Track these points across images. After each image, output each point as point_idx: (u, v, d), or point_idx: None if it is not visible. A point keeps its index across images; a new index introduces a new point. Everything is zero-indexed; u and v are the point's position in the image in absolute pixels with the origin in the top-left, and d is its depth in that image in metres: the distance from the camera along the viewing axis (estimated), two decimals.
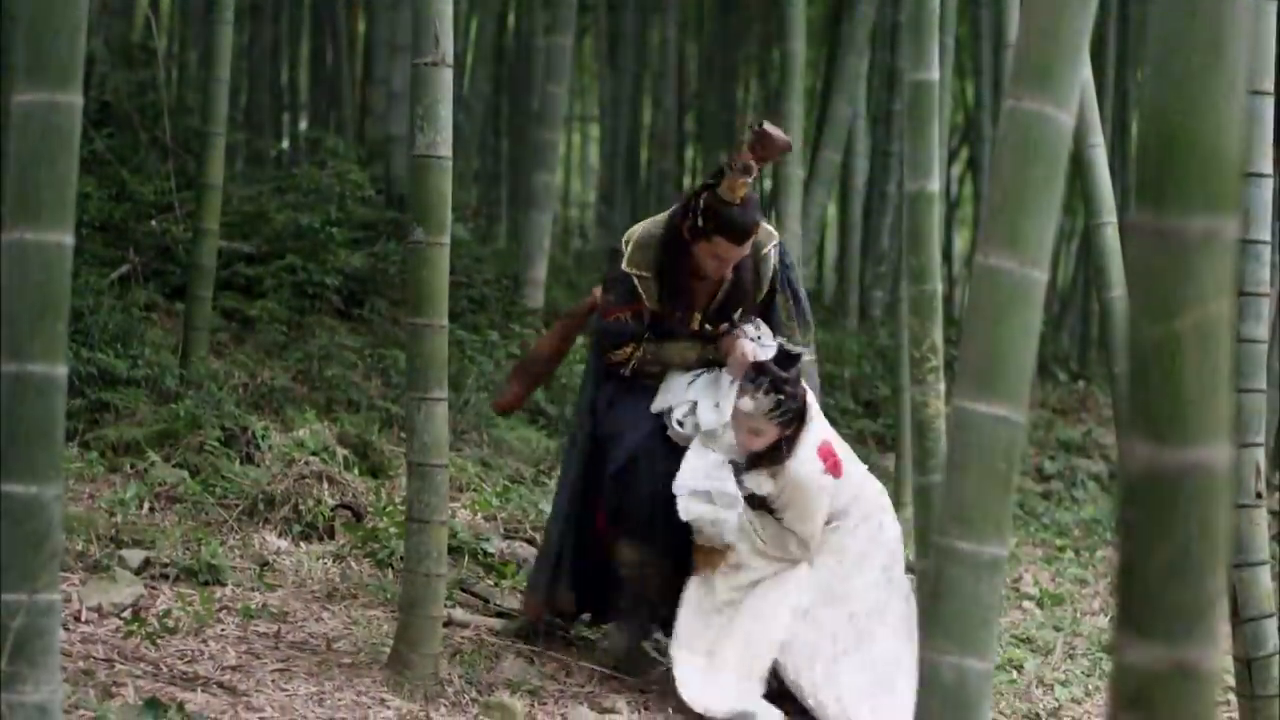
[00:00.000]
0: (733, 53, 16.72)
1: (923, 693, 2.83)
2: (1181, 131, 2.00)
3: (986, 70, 13.21)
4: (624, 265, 5.72)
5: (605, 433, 5.76)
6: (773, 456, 5.49)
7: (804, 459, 5.49)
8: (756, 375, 5.44)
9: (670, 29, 15.25)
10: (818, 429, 5.57)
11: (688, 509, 5.50)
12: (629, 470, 5.65)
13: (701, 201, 5.53)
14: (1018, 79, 2.85)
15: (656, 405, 5.70)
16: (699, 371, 5.71)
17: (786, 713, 5.43)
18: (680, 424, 5.66)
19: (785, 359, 5.46)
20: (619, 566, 5.73)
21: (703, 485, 5.52)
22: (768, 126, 5.44)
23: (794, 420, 5.46)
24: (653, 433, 5.69)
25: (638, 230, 5.80)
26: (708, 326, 5.73)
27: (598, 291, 5.99)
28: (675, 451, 5.63)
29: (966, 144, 17.18)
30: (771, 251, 5.77)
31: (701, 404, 5.64)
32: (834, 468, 5.53)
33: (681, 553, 5.67)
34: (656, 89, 16.13)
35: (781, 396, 5.40)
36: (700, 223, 5.53)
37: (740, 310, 5.75)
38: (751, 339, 5.67)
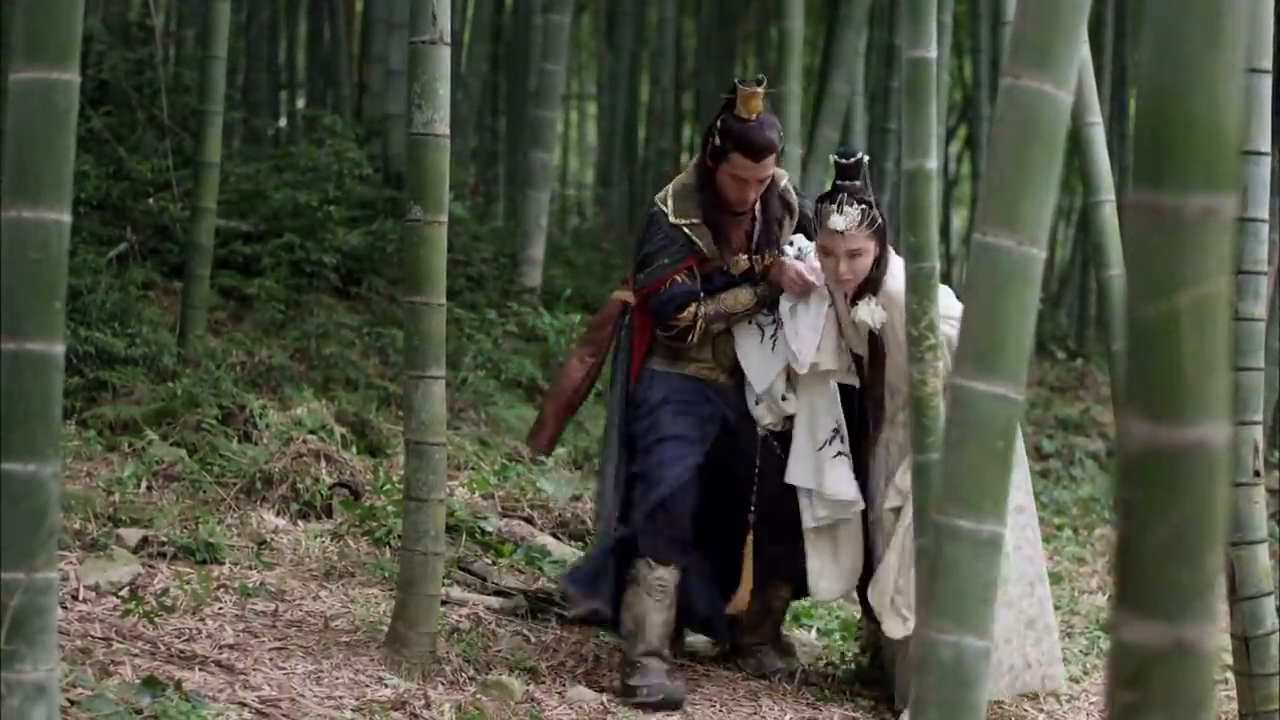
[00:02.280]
0: (731, 31, 16.66)
1: (920, 671, 2.83)
2: (1179, 109, 1.99)
3: (985, 48, 13.19)
4: (671, 219, 5.60)
5: (648, 441, 5.62)
6: (873, 280, 5.48)
7: (899, 273, 5.53)
8: (834, 194, 5.44)
9: (668, 7, 15.19)
10: (894, 255, 5.61)
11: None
12: (666, 507, 5.57)
13: (719, 123, 5.52)
14: (1016, 57, 2.84)
15: (760, 386, 5.65)
16: (771, 334, 5.67)
17: None
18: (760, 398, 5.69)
19: (845, 169, 5.46)
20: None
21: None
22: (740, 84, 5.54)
23: (883, 230, 5.48)
24: (692, 466, 5.61)
25: (669, 187, 5.71)
26: (757, 263, 5.69)
27: (621, 294, 5.83)
28: (701, 486, 5.63)
29: (964, 122, 17.16)
30: (789, 185, 5.82)
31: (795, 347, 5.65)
32: None
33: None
34: (654, 67, 16.08)
35: (865, 203, 5.41)
36: (719, 142, 5.51)
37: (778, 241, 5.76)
38: (794, 257, 5.67)
